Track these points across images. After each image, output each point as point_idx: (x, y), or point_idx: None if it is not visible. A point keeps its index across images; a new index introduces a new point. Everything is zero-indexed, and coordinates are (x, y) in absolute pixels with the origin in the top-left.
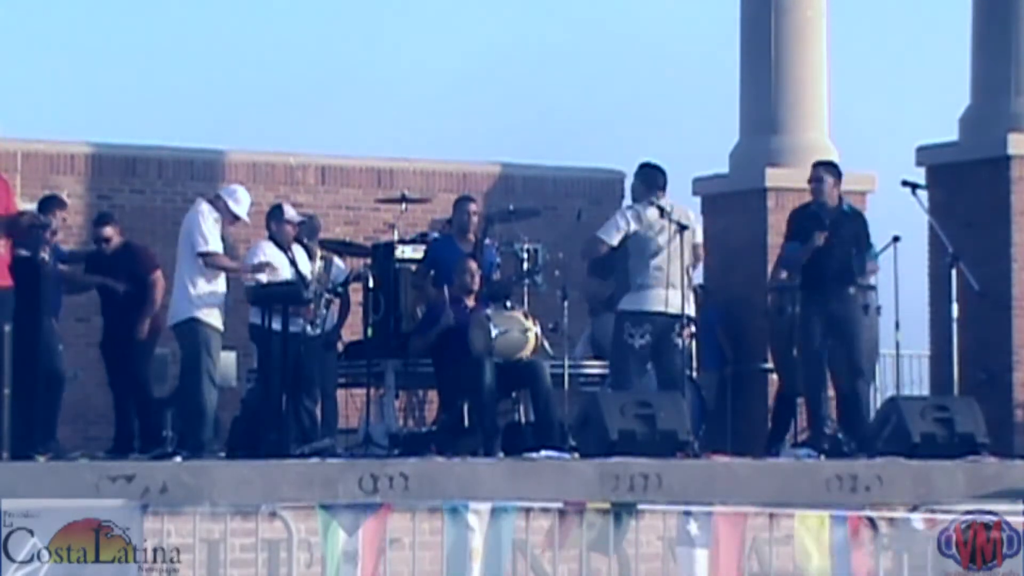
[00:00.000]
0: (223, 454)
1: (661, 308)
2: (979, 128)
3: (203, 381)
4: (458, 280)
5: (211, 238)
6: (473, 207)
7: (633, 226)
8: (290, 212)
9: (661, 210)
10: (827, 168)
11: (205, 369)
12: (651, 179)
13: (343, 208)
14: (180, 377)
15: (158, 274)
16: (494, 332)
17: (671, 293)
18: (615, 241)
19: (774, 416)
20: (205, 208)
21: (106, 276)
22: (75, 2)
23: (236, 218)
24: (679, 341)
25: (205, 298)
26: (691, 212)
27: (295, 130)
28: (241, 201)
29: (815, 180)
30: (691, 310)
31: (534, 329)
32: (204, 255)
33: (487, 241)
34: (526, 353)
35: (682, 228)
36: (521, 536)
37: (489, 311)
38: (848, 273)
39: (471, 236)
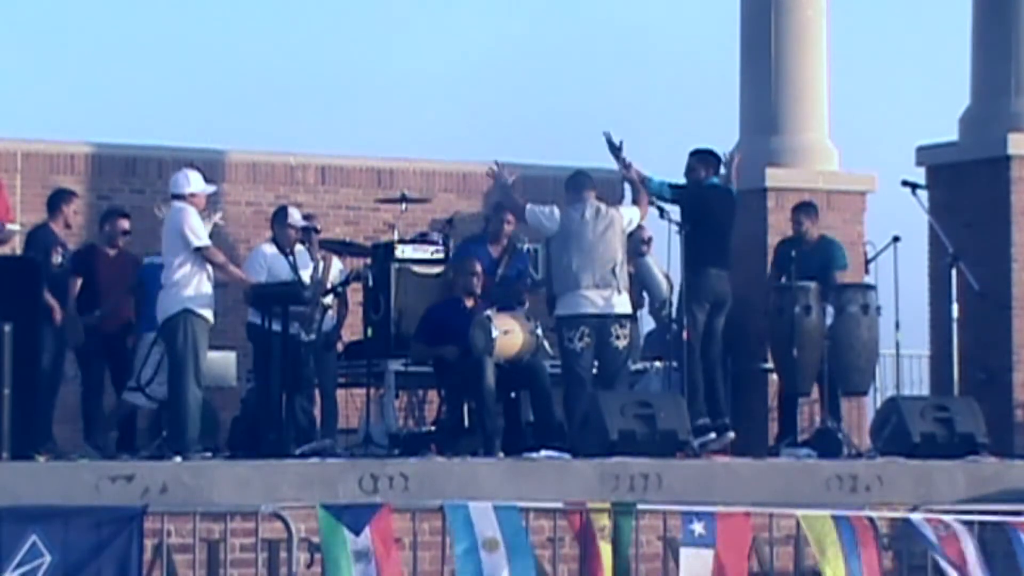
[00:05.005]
0: (225, 454)
1: (592, 310)
2: (979, 128)
3: (189, 375)
4: (462, 281)
5: (201, 232)
6: (511, 217)
7: (551, 221)
8: (294, 216)
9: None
10: (803, 210)
11: (192, 362)
12: (578, 183)
13: (343, 208)
14: (168, 372)
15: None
16: (495, 332)
17: (601, 293)
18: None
19: (779, 417)
20: (178, 204)
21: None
22: (74, 2)
23: (196, 196)
24: (617, 343)
25: (194, 293)
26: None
27: (295, 130)
28: (191, 180)
29: (793, 221)
30: (626, 308)
31: (534, 329)
32: (201, 249)
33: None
34: (526, 353)
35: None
36: None
37: (490, 311)
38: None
39: (502, 242)
